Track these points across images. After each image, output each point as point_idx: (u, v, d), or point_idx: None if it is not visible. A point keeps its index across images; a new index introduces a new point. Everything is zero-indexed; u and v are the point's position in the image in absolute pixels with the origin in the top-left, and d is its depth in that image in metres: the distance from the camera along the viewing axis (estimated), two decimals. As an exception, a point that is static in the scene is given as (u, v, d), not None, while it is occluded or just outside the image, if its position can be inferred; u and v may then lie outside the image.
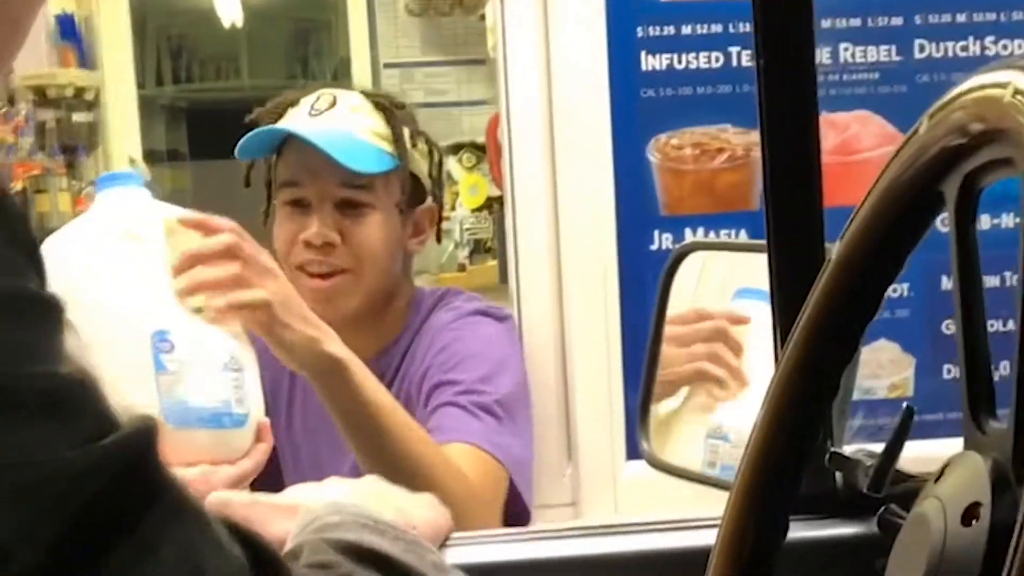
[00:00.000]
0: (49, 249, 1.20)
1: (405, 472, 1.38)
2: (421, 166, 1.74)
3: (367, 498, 0.97)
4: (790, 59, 1.11)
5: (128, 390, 1.11)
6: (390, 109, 1.70)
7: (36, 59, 4.32)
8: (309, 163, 1.65)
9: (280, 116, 1.71)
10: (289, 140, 1.67)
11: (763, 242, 1.18)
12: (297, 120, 1.68)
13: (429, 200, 1.76)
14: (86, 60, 4.46)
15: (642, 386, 1.35)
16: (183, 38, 5.57)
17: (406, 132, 1.70)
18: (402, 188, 1.70)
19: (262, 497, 1.05)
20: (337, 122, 1.66)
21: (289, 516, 0.93)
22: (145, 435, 0.53)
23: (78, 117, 4.40)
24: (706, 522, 1.05)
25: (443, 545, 1.06)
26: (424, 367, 1.66)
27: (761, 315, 1.27)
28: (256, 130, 1.68)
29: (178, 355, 1.19)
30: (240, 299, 1.30)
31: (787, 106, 1.12)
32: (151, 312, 1.21)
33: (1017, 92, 0.57)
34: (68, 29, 4.39)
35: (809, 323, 0.79)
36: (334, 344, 1.39)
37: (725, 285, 1.50)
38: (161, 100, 5.40)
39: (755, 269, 1.22)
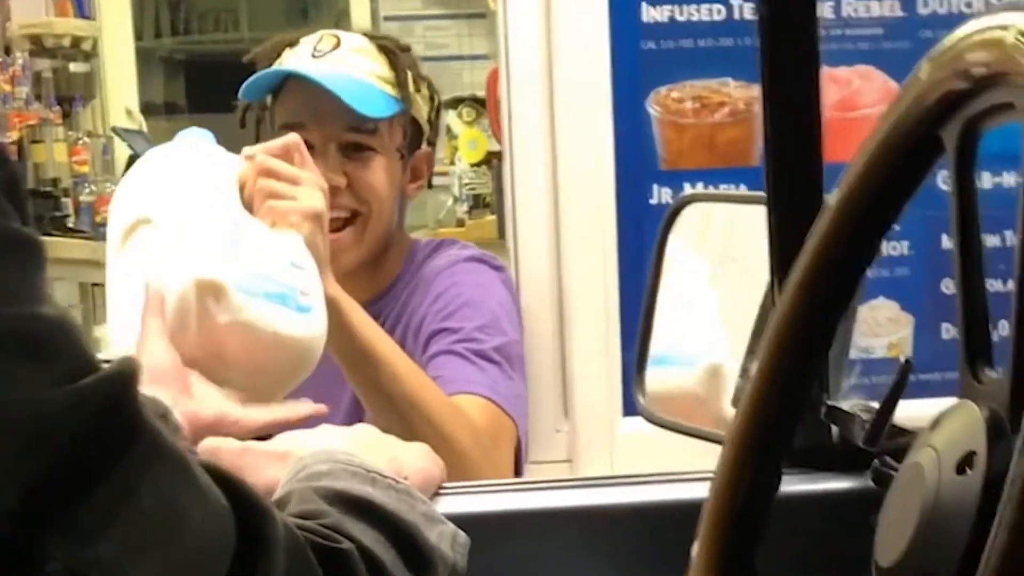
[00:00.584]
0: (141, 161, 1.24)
1: (413, 420, 1.38)
2: (422, 111, 1.73)
3: (360, 447, 0.96)
4: (792, 12, 1.09)
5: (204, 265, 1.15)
6: (394, 52, 1.68)
7: (34, 8, 4.29)
8: (314, 105, 1.63)
9: (277, 56, 1.69)
10: (290, 81, 1.64)
11: (762, 194, 1.17)
12: (300, 61, 1.65)
13: (425, 145, 1.75)
14: (84, 10, 4.42)
15: (638, 340, 1.34)
16: (181, -11, 5.54)
17: (409, 76, 1.68)
18: (404, 132, 1.69)
19: (253, 445, 1.04)
20: (341, 64, 1.63)
21: (280, 463, 0.93)
22: (124, 377, 0.52)
23: (75, 67, 4.37)
24: (700, 475, 1.04)
25: (435, 495, 1.05)
26: (421, 314, 1.65)
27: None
28: (265, 71, 1.65)
29: (249, 242, 1.22)
30: (303, 206, 1.31)
31: (788, 59, 1.11)
32: (227, 209, 1.25)
33: (1020, 34, 0.56)
34: (65, -22, 4.36)
35: (804, 270, 0.77)
36: (330, 284, 1.38)
37: (726, 238, 1.49)
38: (159, 52, 5.37)
39: (755, 222, 1.21)
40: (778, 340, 0.82)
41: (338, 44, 1.65)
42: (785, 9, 1.09)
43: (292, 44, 1.68)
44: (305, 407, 1.23)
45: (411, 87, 1.68)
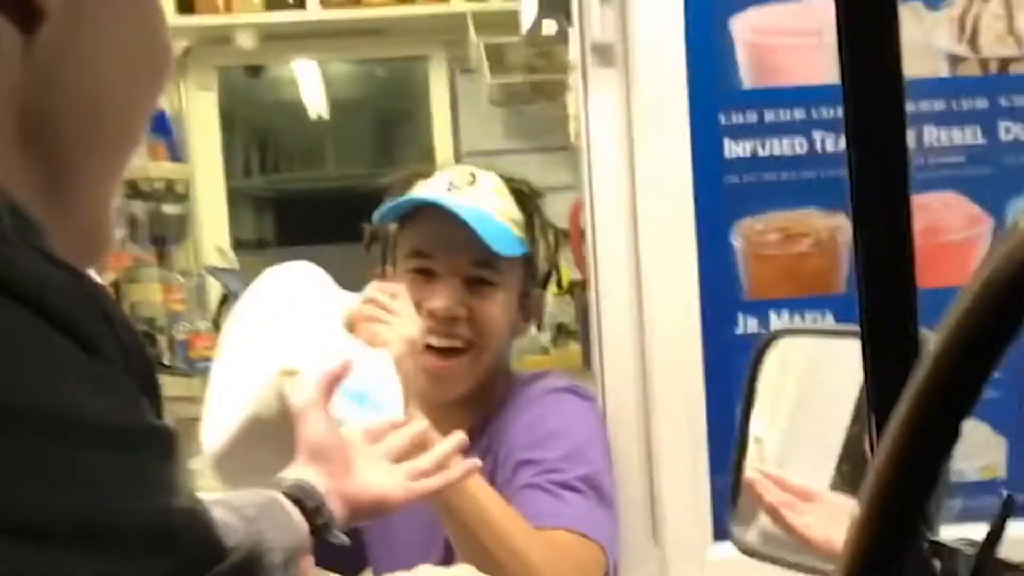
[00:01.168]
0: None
1: (502, 558, 1.39)
2: (543, 257, 1.75)
3: None
4: (881, 142, 1.11)
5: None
6: (527, 196, 1.72)
7: (129, 153, 4.44)
8: (446, 235, 1.65)
9: (411, 187, 1.72)
10: (423, 210, 1.67)
11: (852, 326, 1.18)
12: (435, 192, 1.68)
13: (538, 287, 1.78)
14: (177, 153, 4.56)
15: (731, 470, 1.35)
16: (270, 131, 5.69)
17: (537, 221, 1.71)
18: (526, 273, 1.72)
19: None
20: (476, 200, 1.66)
21: None
22: (253, 561, 0.54)
23: (169, 209, 4.50)
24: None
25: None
26: (509, 445, 1.67)
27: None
28: (404, 198, 1.68)
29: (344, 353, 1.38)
30: (396, 332, 1.43)
31: (878, 189, 1.13)
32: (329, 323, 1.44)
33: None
34: (160, 124, 4.51)
35: (906, 420, 0.78)
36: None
37: (809, 371, 1.50)
38: (249, 190, 5.51)
39: (839, 353, 1.22)
40: (881, 481, 0.82)
41: (474, 181, 1.69)
42: (874, 139, 1.12)
43: (426, 176, 1.71)
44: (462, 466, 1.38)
45: (537, 231, 1.71)
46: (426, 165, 1.76)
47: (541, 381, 1.76)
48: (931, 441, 0.79)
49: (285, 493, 1.18)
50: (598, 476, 1.65)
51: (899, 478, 0.82)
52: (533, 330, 3.83)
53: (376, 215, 1.71)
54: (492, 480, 1.61)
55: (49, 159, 0.58)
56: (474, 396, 1.71)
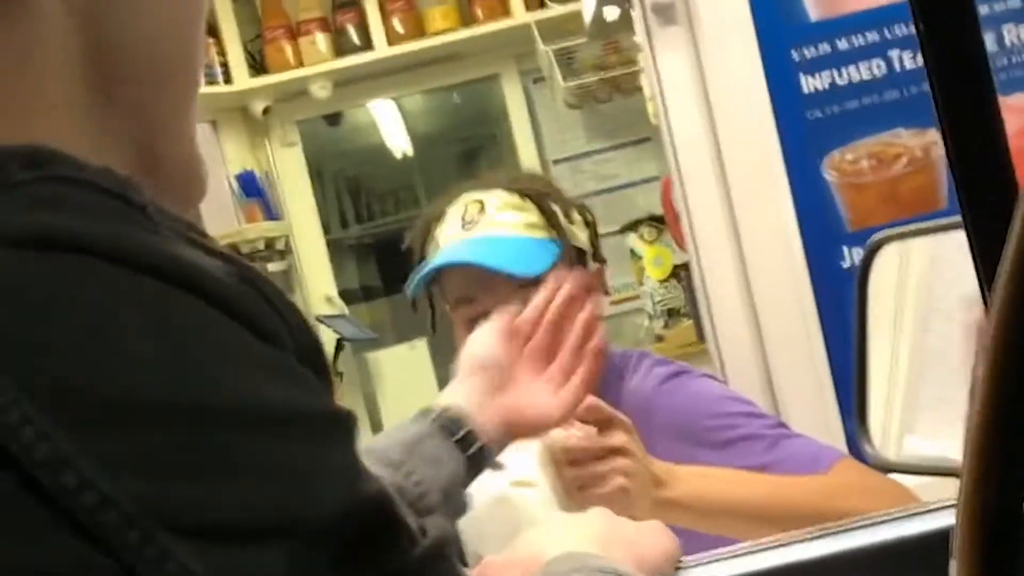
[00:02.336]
0: None
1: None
2: (580, 236, 1.72)
3: (595, 539, 0.96)
4: (959, 48, 1.08)
5: None
6: (539, 194, 1.69)
7: (226, 219, 4.52)
8: (479, 278, 1.64)
9: (428, 234, 1.70)
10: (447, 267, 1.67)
11: (955, 219, 1.14)
12: (451, 237, 1.67)
13: (593, 263, 1.75)
14: (272, 212, 4.63)
15: (855, 388, 1.31)
16: (359, 177, 5.75)
17: (558, 210, 1.68)
18: (570, 265, 1.69)
19: (493, 558, 1.04)
20: (492, 227, 1.64)
21: (524, 572, 0.92)
22: (448, 541, 0.53)
23: (272, 267, 4.56)
24: (943, 504, 1.01)
25: (677, 568, 1.04)
26: (665, 436, 1.64)
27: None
28: (422, 273, 1.66)
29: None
30: (602, 491, 1.40)
31: (963, 97, 1.09)
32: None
33: None
34: (250, 186, 4.58)
35: (1014, 262, 0.75)
36: (674, 488, 1.43)
37: (925, 280, 1.45)
38: (348, 240, 5.56)
39: (953, 252, 1.18)
40: (1002, 337, 0.79)
41: (482, 208, 1.66)
42: (952, 46, 1.08)
43: (438, 218, 1.70)
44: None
45: (563, 221, 1.68)
46: (435, 206, 1.72)
47: (654, 366, 1.72)
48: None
49: (434, 422, 1.16)
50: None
51: (1018, 327, 0.78)
52: (645, 321, 3.82)
53: (409, 290, 1.69)
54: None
55: (125, 109, 0.57)
56: None
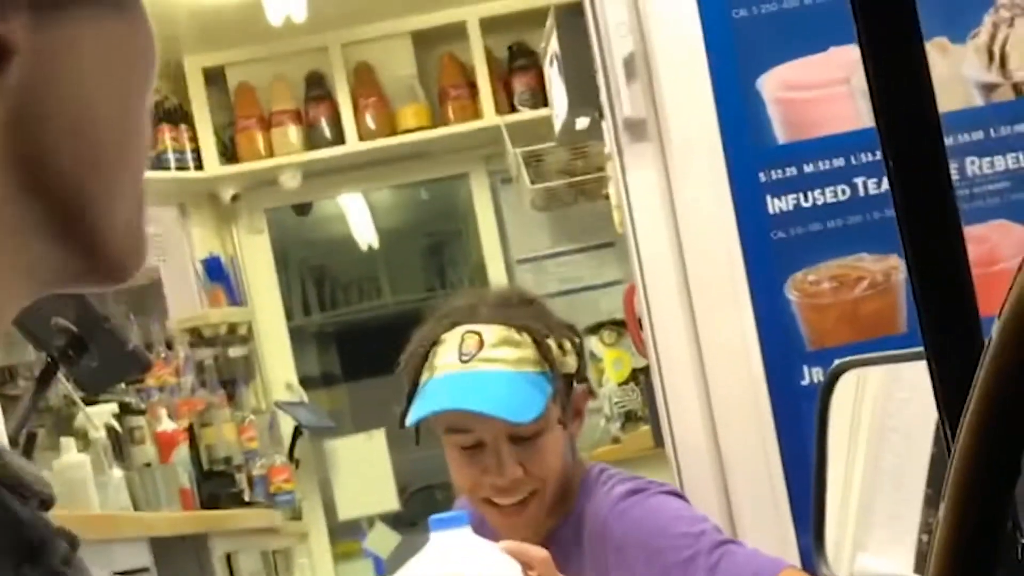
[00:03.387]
0: None
1: None
2: (570, 364, 1.75)
3: None
4: (924, 179, 1.13)
5: None
6: (534, 330, 1.71)
7: (189, 303, 4.53)
8: (475, 413, 1.68)
9: (425, 360, 1.73)
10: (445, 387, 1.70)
11: (916, 349, 1.18)
12: (448, 367, 1.70)
13: (577, 384, 1.78)
14: (235, 297, 4.65)
15: (813, 508, 1.34)
16: (324, 267, 5.78)
17: (552, 343, 1.71)
18: (561, 402, 1.72)
19: None
20: (489, 364, 1.68)
21: None
22: None
23: (233, 352, 4.57)
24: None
25: None
26: (618, 566, 1.66)
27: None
28: (423, 412, 1.69)
29: None
30: None
31: (928, 226, 1.14)
32: None
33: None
34: (216, 271, 4.61)
35: (977, 413, 0.78)
36: None
37: (881, 402, 1.49)
38: (310, 327, 5.58)
39: (910, 373, 1.22)
40: (962, 483, 0.82)
41: (480, 343, 1.69)
42: (917, 176, 1.13)
43: (437, 343, 1.72)
44: None
45: (556, 355, 1.71)
46: (431, 329, 1.75)
47: (612, 484, 1.75)
48: (1007, 433, 0.79)
49: None
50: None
51: (978, 477, 0.81)
52: (602, 422, 3.85)
53: (406, 421, 1.72)
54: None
55: (52, 193, 0.55)
56: (555, 504, 1.73)
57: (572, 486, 1.75)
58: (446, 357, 1.70)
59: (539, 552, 1.50)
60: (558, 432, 1.71)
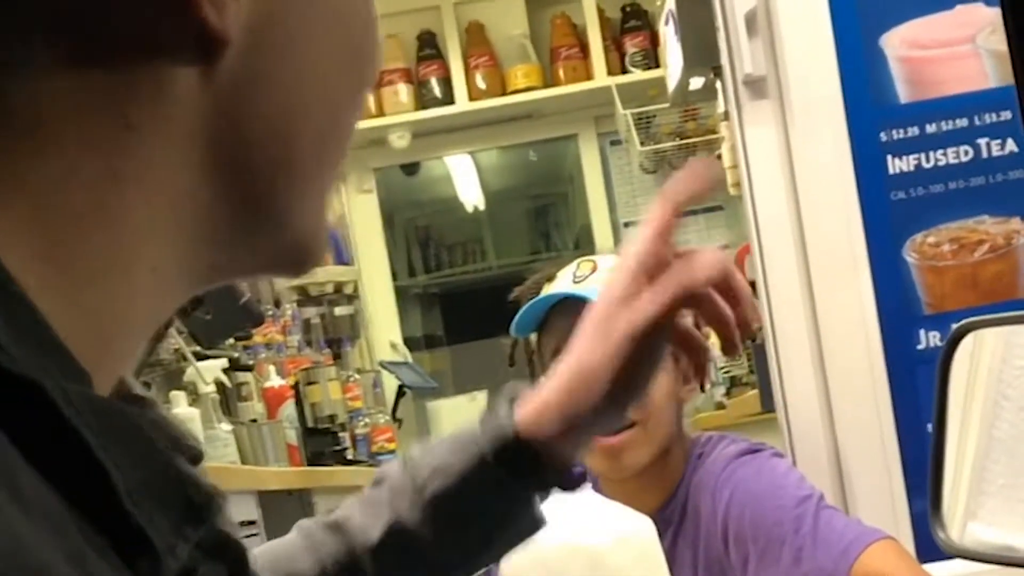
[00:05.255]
0: None
1: None
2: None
3: None
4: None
5: None
6: None
7: (297, 261, 4.58)
8: None
9: (538, 292, 1.74)
10: (556, 311, 1.68)
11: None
12: (562, 289, 1.70)
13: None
14: (343, 257, 4.69)
15: (930, 473, 1.31)
16: (429, 228, 5.80)
17: None
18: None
19: None
20: (603, 284, 1.67)
21: None
22: None
23: (340, 311, 4.61)
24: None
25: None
26: (725, 524, 1.65)
27: None
28: (533, 300, 1.69)
29: None
30: None
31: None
32: None
33: None
34: (324, 229, 4.66)
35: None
36: None
37: (996, 370, 1.46)
38: (414, 288, 5.61)
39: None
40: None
41: (595, 267, 1.70)
42: None
43: (551, 279, 1.73)
44: None
45: None
46: (550, 268, 1.75)
47: (724, 445, 1.74)
48: None
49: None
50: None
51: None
52: (706, 387, 3.82)
53: (513, 328, 1.72)
54: (703, 555, 1.63)
55: (243, 186, 0.51)
56: (654, 469, 1.71)
57: (677, 455, 1.74)
58: (558, 283, 1.69)
59: None
60: (668, 370, 1.70)
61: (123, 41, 0.47)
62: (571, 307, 1.65)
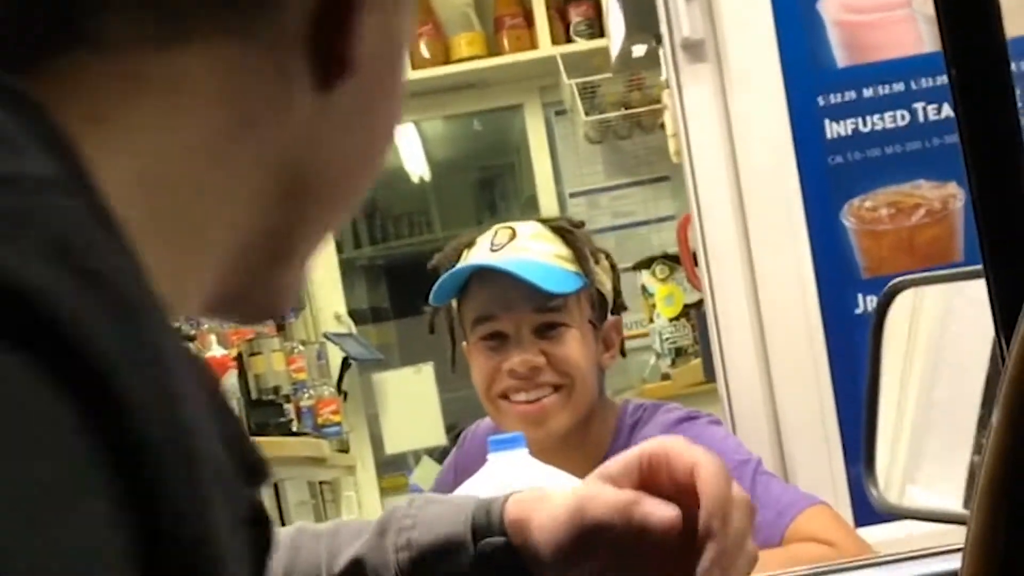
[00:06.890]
0: None
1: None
2: (605, 283, 1.75)
3: None
4: (989, 106, 1.09)
5: None
6: (569, 231, 1.71)
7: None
8: (501, 294, 1.66)
9: (457, 259, 1.73)
10: (475, 277, 1.68)
11: (976, 267, 1.15)
12: (480, 257, 1.69)
13: (612, 315, 1.77)
14: (287, 227, 4.66)
15: (864, 434, 1.32)
16: (375, 199, 5.76)
17: (587, 250, 1.71)
18: (591, 304, 1.71)
19: None
20: (520, 252, 1.67)
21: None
22: None
23: (284, 282, 4.58)
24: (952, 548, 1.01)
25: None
26: None
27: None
28: (447, 273, 1.69)
29: None
30: None
31: (992, 153, 1.10)
32: None
33: None
34: (268, 200, 4.62)
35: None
36: None
37: (935, 335, 1.46)
38: (360, 260, 5.58)
39: (964, 305, 1.19)
40: (1015, 394, 0.80)
41: (513, 235, 1.69)
42: (983, 102, 1.09)
43: (470, 245, 1.72)
44: None
45: (590, 261, 1.70)
46: (468, 234, 1.75)
47: (655, 417, 1.74)
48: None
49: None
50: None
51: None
52: (652, 359, 3.83)
53: (431, 297, 1.71)
54: None
55: (289, 215, 0.50)
56: (577, 435, 1.70)
57: (601, 422, 1.73)
58: (476, 251, 1.69)
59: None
60: (587, 335, 1.70)
61: (273, 40, 0.47)
62: (489, 276, 1.64)
